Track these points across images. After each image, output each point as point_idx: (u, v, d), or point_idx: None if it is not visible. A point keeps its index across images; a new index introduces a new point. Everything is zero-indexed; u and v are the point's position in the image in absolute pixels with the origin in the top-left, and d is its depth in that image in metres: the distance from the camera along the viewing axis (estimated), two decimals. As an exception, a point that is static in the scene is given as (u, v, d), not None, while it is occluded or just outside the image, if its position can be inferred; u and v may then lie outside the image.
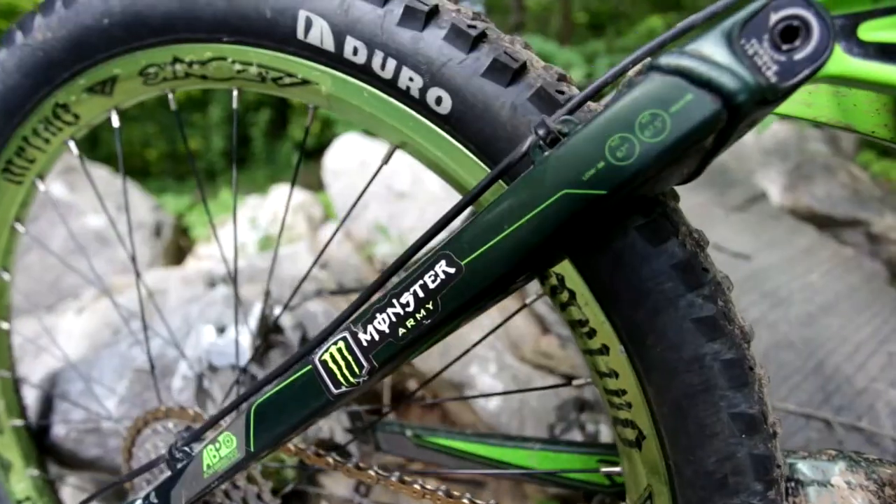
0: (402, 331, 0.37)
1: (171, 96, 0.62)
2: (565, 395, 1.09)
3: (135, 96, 0.62)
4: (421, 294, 0.36)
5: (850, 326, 1.25)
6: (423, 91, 0.43)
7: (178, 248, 2.25)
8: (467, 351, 0.53)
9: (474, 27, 0.41)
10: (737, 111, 0.29)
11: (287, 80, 0.51)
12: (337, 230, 0.55)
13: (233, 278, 0.64)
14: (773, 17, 0.29)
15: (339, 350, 0.39)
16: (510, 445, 0.68)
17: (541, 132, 0.34)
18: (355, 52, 0.44)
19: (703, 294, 0.41)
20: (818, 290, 1.30)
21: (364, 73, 0.45)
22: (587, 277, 0.43)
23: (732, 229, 1.53)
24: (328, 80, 0.48)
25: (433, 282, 0.36)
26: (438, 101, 0.42)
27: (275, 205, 2.14)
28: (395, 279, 0.41)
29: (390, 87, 0.44)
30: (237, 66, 0.53)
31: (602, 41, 4.46)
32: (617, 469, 0.59)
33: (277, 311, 0.78)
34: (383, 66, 0.43)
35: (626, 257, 0.40)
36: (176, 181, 4.91)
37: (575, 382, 0.54)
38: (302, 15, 0.45)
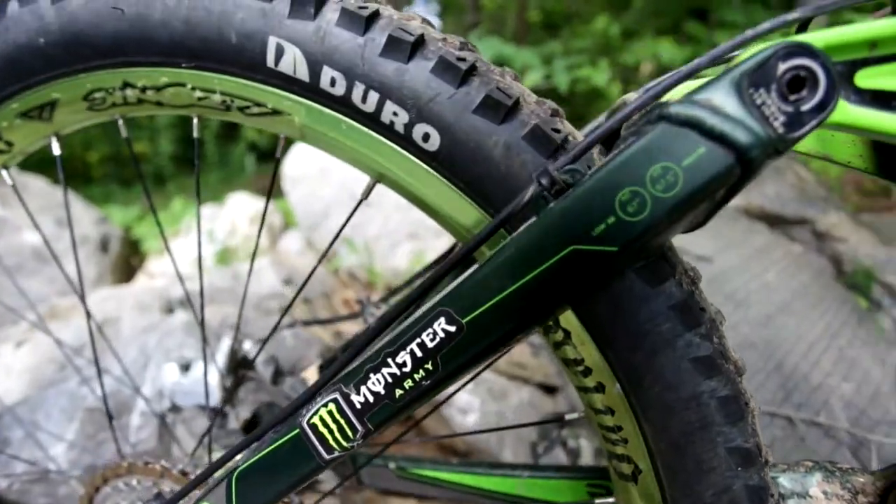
0: (399, 392, 0.35)
1: (121, 123, 0.56)
2: (545, 410, 1.09)
3: (78, 122, 0.56)
4: (419, 353, 0.34)
5: (805, 324, 1.32)
6: (409, 127, 0.40)
7: (128, 264, 2.11)
8: (456, 391, 0.51)
9: (464, 60, 0.38)
10: (749, 165, 0.28)
11: (255, 110, 0.47)
12: (314, 269, 0.52)
13: (201, 323, 0.60)
14: (781, 67, 0.28)
15: (330, 413, 0.36)
16: (498, 474, 0.67)
17: (544, 181, 0.32)
18: (333, 83, 0.41)
19: (701, 333, 0.41)
20: (775, 289, 1.36)
21: (343, 105, 0.42)
22: (584, 319, 0.41)
23: (694, 232, 1.58)
24: (302, 111, 0.44)
25: (432, 340, 0.34)
26: (426, 137, 0.40)
27: (232, 214, 2.04)
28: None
29: (372, 120, 0.41)
30: (198, 94, 0.48)
31: (558, 42, 4.53)
32: (610, 500, 0.59)
33: (246, 344, 0.73)
34: (364, 99, 0.40)
35: (625, 300, 0.39)
36: (122, 187, 4.62)
37: (567, 417, 0.52)
38: (272, 41, 0.42)
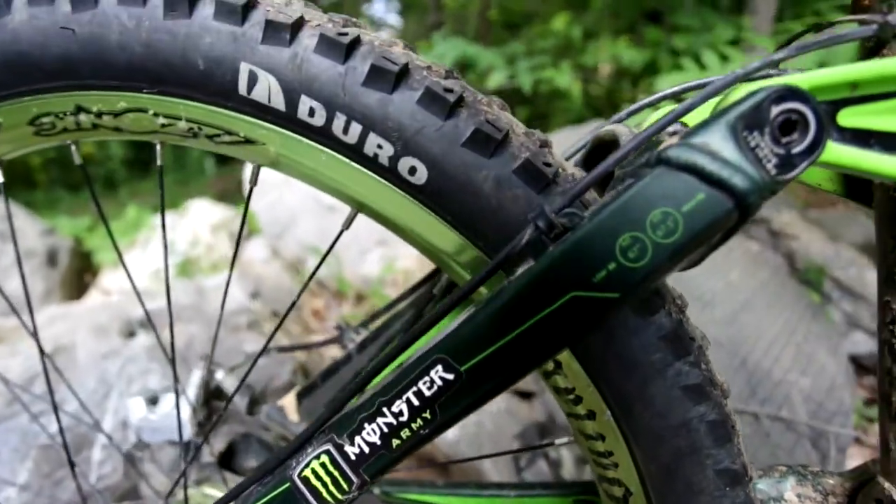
0: (395, 442, 0.33)
1: (74, 149, 0.52)
2: (522, 416, 1.10)
3: (24, 147, 0.52)
4: (416, 402, 0.33)
5: (766, 321, 1.37)
6: (395, 160, 0.38)
7: (79, 279, 1.99)
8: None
9: (451, 91, 0.37)
10: (747, 209, 0.28)
11: (226, 138, 0.44)
12: (294, 301, 0.49)
13: (171, 358, 0.56)
14: (774, 111, 0.28)
15: (323, 465, 0.34)
16: (485, 495, 0.66)
17: (541, 224, 0.31)
18: (311, 113, 0.39)
19: (690, 361, 0.41)
20: (738, 288, 1.40)
21: (322, 135, 0.40)
22: (576, 352, 0.41)
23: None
24: (277, 141, 0.42)
25: (429, 389, 0.32)
26: (412, 171, 0.38)
27: (193, 223, 1.96)
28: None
29: (354, 152, 0.39)
30: (161, 120, 0.45)
31: (521, 42, 4.57)
32: (599, 519, 0.59)
33: (219, 373, 0.70)
34: (346, 131, 0.39)
35: (618, 332, 0.39)
36: (70, 193, 4.35)
37: (557, 442, 0.52)
38: (244, 68, 0.39)
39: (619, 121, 0.52)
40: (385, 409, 0.33)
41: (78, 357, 0.97)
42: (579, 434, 0.48)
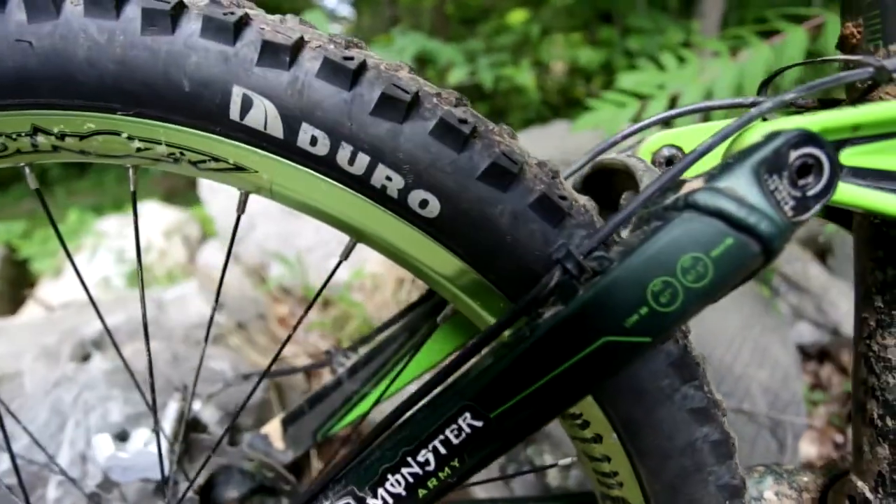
0: (422, 492, 0.32)
1: (27, 171, 0.46)
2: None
3: (-32, 169, 0.46)
4: (443, 451, 0.31)
5: (727, 318, 1.44)
6: (405, 192, 0.36)
7: (15, 291, 1.83)
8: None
9: (465, 121, 0.35)
10: (771, 253, 0.29)
11: (212, 165, 0.41)
12: (280, 351, 0.46)
13: (150, 383, 0.52)
14: (793, 155, 0.29)
15: (345, 519, 0.32)
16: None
17: (571, 267, 0.30)
18: (314, 141, 0.36)
19: (695, 385, 0.42)
20: None
21: (324, 165, 0.37)
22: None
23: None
24: (272, 169, 0.39)
25: (457, 437, 0.31)
26: (423, 204, 0.36)
27: (144, 227, 1.84)
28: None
29: (359, 184, 0.37)
30: (136, 144, 0.41)
31: (479, 38, 4.57)
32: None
33: (196, 404, 0.65)
34: (352, 161, 0.36)
35: (631, 362, 0.39)
36: (-4, 192, 3.98)
37: (561, 462, 0.52)
38: (237, 92, 0.36)
39: (615, 143, 0.52)
40: (410, 460, 0.32)
41: (25, 385, 0.89)
42: (584, 456, 0.49)
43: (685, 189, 0.31)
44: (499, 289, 0.39)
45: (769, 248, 0.28)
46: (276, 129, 0.36)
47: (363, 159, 0.36)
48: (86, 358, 0.95)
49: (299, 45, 0.35)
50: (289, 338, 0.46)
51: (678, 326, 0.30)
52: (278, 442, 0.67)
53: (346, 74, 0.35)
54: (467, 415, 0.31)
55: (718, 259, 0.28)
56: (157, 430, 0.53)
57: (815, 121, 0.34)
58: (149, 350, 0.51)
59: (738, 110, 0.48)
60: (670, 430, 0.42)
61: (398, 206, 0.37)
